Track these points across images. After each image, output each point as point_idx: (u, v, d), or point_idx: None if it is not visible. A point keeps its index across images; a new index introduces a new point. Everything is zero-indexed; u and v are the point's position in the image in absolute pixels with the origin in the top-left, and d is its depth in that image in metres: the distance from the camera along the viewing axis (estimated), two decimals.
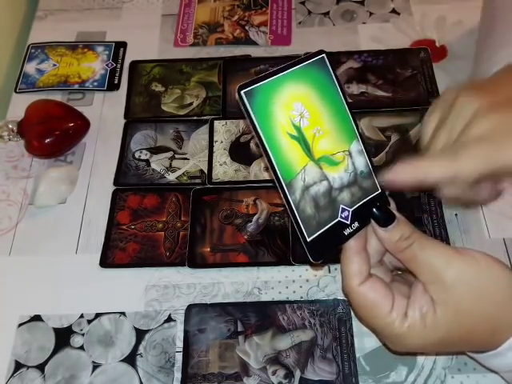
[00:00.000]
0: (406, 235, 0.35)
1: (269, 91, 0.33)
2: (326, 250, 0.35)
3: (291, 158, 0.33)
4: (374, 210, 0.36)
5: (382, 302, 0.35)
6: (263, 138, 0.33)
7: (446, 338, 0.35)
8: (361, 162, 0.36)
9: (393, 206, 0.37)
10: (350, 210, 0.36)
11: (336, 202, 0.35)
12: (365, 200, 0.36)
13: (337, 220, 0.35)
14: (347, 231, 0.35)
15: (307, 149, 0.34)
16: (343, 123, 0.36)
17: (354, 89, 0.60)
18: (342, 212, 0.35)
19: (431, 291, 0.35)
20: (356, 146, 0.36)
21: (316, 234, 0.34)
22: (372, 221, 0.36)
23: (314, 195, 0.34)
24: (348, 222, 0.35)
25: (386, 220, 0.36)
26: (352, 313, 0.46)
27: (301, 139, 0.34)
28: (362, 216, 0.36)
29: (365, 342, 0.45)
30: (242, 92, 0.32)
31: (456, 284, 0.34)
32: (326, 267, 0.49)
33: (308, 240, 0.34)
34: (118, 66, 0.65)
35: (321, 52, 0.35)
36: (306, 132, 0.34)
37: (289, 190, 0.33)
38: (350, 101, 0.59)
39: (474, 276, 0.35)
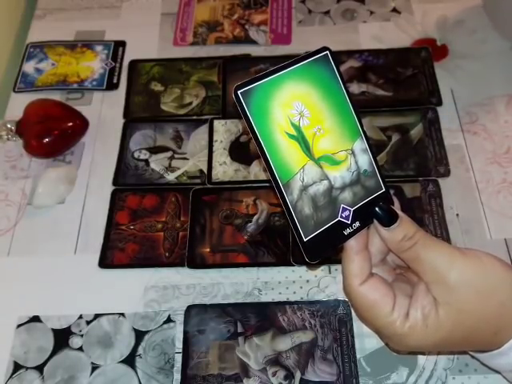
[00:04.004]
0: (409, 235, 0.35)
1: (267, 90, 0.32)
2: (324, 250, 0.35)
3: (289, 158, 0.33)
4: (377, 209, 0.35)
5: (383, 301, 0.35)
6: (260, 139, 0.32)
7: (449, 338, 0.35)
8: (364, 160, 0.36)
9: (397, 206, 0.37)
10: (352, 209, 0.35)
11: (337, 202, 0.35)
12: (367, 199, 0.36)
13: (337, 220, 0.35)
14: (347, 231, 0.35)
15: (307, 148, 0.34)
16: (346, 121, 0.35)
17: (355, 88, 0.60)
18: (342, 211, 0.35)
19: (434, 291, 0.35)
20: (360, 145, 0.35)
21: (313, 234, 0.34)
22: (375, 220, 0.36)
23: (313, 195, 0.34)
24: (348, 222, 0.35)
25: (388, 219, 0.35)
26: (353, 313, 0.46)
27: (300, 139, 0.33)
28: (364, 215, 0.36)
29: (365, 343, 0.45)
30: (238, 92, 0.32)
31: (459, 285, 0.34)
32: (327, 268, 0.49)
33: (305, 240, 0.34)
34: (117, 65, 0.64)
35: (324, 49, 0.35)
36: (305, 131, 0.34)
37: (286, 190, 0.33)
38: None
39: (477, 277, 0.34)
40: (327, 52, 0.35)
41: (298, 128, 0.33)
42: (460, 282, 0.34)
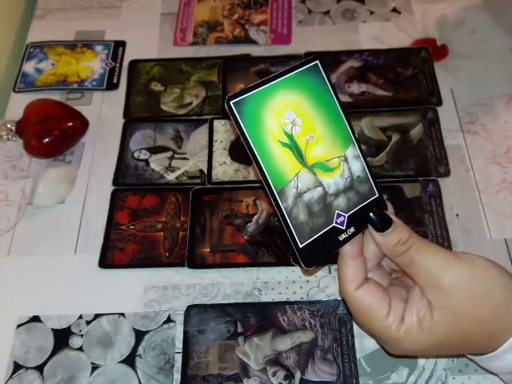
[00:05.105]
0: (403, 240, 0.35)
1: (259, 100, 0.33)
2: (320, 256, 0.35)
3: (283, 166, 0.34)
4: (371, 214, 0.36)
5: (379, 306, 0.35)
6: (253, 148, 0.33)
7: (444, 342, 0.35)
8: (357, 167, 0.36)
9: (390, 211, 0.37)
10: (346, 215, 0.36)
11: (331, 208, 0.35)
12: (361, 205, 0.36)
13: (332, 225, 0.35)
14: (342, 236, 0.35)
15: (300, 156, 0.34)
16: (338, 129, 0.36)
17: (355, 88, 0.60)
18: (337, 217, 0.35)
19: (429, 295, 0.35)
20: (352, 151, 0.36)
21: (309, 240, 0.34)
22: (369, 225, 0.36)
23: (308, 202, 0.34)
24: (343, 228, 0.35)
25: (382, 225, 0.36)
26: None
27: (293, 147, 0.34)
28: (359, 221, 0.36)
29: (365, 343, 0.45)
30: (230, 102, 0.32)
31: (453, 288, 0.34)
32: (327, 268, 0.49)
33: (300, 246, 0.34)
34: (117, 65, 0.64)
35: (314, 58, 0.35)
36: (298, 139, 0.34)
37: (280, 197, 0.33)
38: (350, 100, 0.59)
39: (471, 280, 0.35)
40: (317, 62, 0.35)
41: (290, 136, 0.34)
42: (454, 285, 0.34)
